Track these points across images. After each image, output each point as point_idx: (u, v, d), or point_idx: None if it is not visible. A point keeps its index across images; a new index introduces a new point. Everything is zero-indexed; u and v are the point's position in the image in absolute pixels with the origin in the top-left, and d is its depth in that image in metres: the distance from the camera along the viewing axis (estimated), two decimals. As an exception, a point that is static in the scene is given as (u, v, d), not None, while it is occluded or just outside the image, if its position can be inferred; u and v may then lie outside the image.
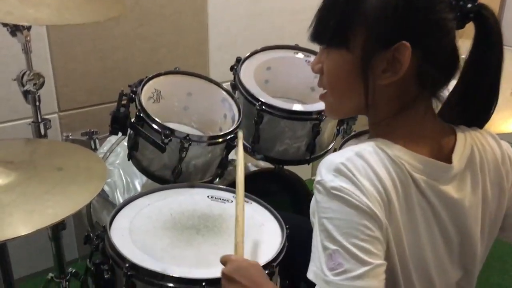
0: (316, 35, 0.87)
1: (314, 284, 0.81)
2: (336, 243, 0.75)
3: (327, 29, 0.84)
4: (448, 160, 0.85)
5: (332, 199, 0.77)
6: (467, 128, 0.90)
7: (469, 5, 0.79)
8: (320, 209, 0.78)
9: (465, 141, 0.88)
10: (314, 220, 0.81)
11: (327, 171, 0.79)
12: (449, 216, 0.86)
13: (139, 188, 1.67)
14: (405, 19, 0.77)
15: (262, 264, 1.12)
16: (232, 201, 1.40)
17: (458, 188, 0.86)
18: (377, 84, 0.81)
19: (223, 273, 0.96)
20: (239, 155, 1.26)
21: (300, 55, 1.84)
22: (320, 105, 1.67)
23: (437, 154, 0.85)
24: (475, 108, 0.89)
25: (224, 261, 0.99)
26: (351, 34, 0.81)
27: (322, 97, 0.93)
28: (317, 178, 0.80)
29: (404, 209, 0.81)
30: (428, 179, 0.83)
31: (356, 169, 0.77)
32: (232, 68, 1.72)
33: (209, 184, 1.51)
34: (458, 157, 0.86)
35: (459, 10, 0.80)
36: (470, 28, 0.84)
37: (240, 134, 1.39)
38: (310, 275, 0.79)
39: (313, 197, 0.82)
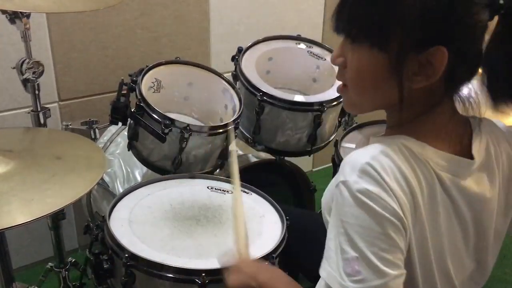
0: (344, 28, 0.81)
1: (313, 275, 0.80)
2: (357, 250, 0.73)
3: (359, 25, 0.79)
4: (469, 154, 0.84)
5: (356, 203, 0.74)
6: (478, 118, 0.88)
7: (501, 1, 0.76)
8: (342, 211, 0.75)
9: (480, 133, 0.86)
10: (332, 219, 0.78)
11: (352, 171, 0.76)
12: (469, 211, 0.85)
13: (139, 178, 1.66)
14: (443, 23, 0.74)
15: (262, 255, 1.12)
16: (232, 192, 1.39)
17: (478, 182, 0.84)
18: (406, 85, 0.78)
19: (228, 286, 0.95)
20: (234, 175, 1.19)
21: (302, 45, 1.83)
22: (322, 96, 1.66)
23: (459, 150, 0.84)
24: None
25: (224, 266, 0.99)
26: (385, 33, 0.76)
27: (342, 91, 0.88)
28: (341, 177, 0.76)
29: (428, 208, 0.80)
30: (453, 176, 0.81)
31: (382, 169, 0.75)
32: (233, 58, 1.71)
33: (209, 175, 1.50)
34: (477, 151, 0.84)
35: (491, 7, 0.76)
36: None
37: (233, 147, 1.33)
38: (323, 273, 0.77)
39: (334, 195, 0.78)
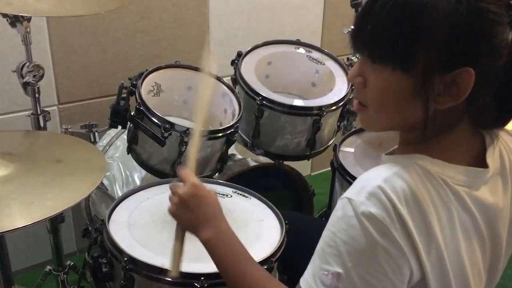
0: (364, 48, 0.79)
1: None
2: (343, 267, 0.73)
3: (383, 46, 0.75)
4: (483, 163, 0.83)
5: (356, 224, 0.73)
6: (489, 129, 0.87)
7: None
8: (338, 226, 0.75)
9: (492, 141, 0.85)
10: (326, 229, 0.78)
11: (361, 190, 0.75)
12: (485, 221, 0.83)
13: (138, 182, 1.66)
14: (470, 44, 0.72)
15: (261, 259, 1.12)
16: (231, 196, 1.39)
17: (492, 191, 0.83)
18: (431, 106, 0.76)
19: (179, 195, 0.93)
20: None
21: (302, 50, 1.83)
22: (321, 101, 1.66)
23: (473, 160, 0.83)
24: None
25: (183, 177, 0.95)
26: (411, 55, 0.73)
27: (360, 110, 0.85)
28: (348, 194, 0.76)
29: (447, 231, 0.78)
30: (469, 189, 0.80)
31: (394, 193, 0.73)
32: (233, 63, 1.71)
33: (208, 178, 1.51)
34: (491, 159, 0.83)
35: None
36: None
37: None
38: (302, 281, 0.78)
39: (335, 209, 0.78)
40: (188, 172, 0.97)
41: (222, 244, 0.93)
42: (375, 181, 0.75)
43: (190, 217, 0.94)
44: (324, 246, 0.76)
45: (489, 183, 0.83)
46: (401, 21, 0.73)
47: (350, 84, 1.71)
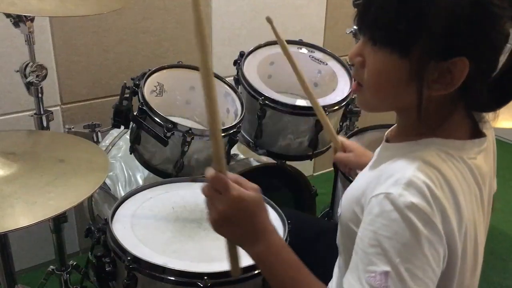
0: (367, 29, 0.81)
1: None
2: (390, 264, 0.72)
3: (385, 29, 0.77)
4: (479, 133, 0.85)
5: (397, 217, 0.72)
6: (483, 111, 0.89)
7: None
8: (379, 223, 0.74)
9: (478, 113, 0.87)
10: (362, 230, 0.76)
11: (396, 183, 0.74)
12: (485, 190, 0.86)
13: (140, 182, 1.67)
14: (469, 35, 0.74)
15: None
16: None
17: (485, 159, 0.86)
18: (424, 92, 0.78)
19: (219, 211, 0.82)
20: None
21: (304, 50, 1.84)
22: (323, 101, 1.66)
23: (472, 132, 0.85)
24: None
25: (219, 187, 0.83)
26: (411, 39, 0.75)
27: (357, 91, 0.87)
28: (382, 189, 0.75)
29: (468, 203, 0.80)
30: (475, 160, 0.82)
31: (430, 180, 0.74)
32: (235, 63, 1.72)
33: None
34: (485, 128, 0.86)
35: None
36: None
37: None
38: (345, 285, 0.76)
39: (367, 206, 0.77)
40: (223, 179, 0.82)
41: (273, 258, 0.85)
42: (408, 172, 0.75)
43: (235, 233, 0.84)
44: (365, 247, 0.75)
45: (483, 152, 0.85)
46: (403, 5, 0.74)
47: (352, 85, 1.71)
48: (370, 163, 0.94)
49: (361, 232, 0.77)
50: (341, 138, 1.34)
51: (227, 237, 0.86)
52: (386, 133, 0.94)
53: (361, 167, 1.01)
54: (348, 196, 0.91)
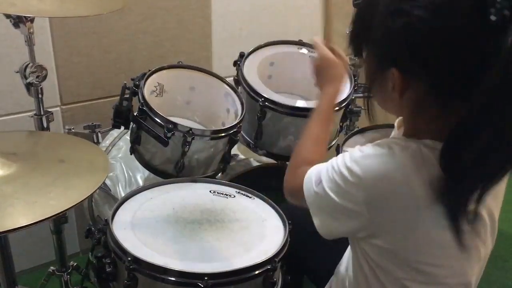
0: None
1: (318, 277, 0.81)
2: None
3: (352, 39, 0.92)
4: None
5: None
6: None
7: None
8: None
9: None
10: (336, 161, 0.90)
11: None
12: None
13: (141, 182, 1.67)
14: (400, 46, 0.79)
15: (264, 260, 1.12)
16: (234, 196, 1.39)
17: None
18: (390, 96, 0.86)
19: (323, 55, 1.20)
20: None
21: (304, 50, 1.84)
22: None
23: None
24: None
25: (316, 46, 1.25)
26: (360, 48, 0.90)
27: None
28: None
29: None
30: None
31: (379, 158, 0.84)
32: (235, 63, 1.71)
33: (212, 179, 1.51)
34: None
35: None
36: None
37: None
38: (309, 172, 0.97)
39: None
40: (320, 44, 1.26)
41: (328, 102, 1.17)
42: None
43: (322, 75, 1.19)
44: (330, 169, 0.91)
45: None
46: (359, 19, 0.90)
47: (353, 85, 1.71)
48: None
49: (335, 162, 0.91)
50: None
51: (318, 76, 1.21)
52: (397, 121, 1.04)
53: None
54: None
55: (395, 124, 1.04)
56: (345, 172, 0.85)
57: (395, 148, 0.82)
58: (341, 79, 1.19)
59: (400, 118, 1.00)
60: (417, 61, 0.79)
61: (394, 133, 1.04)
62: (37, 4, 1.26)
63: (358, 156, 0.85)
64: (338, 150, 1.65)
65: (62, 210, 1.06)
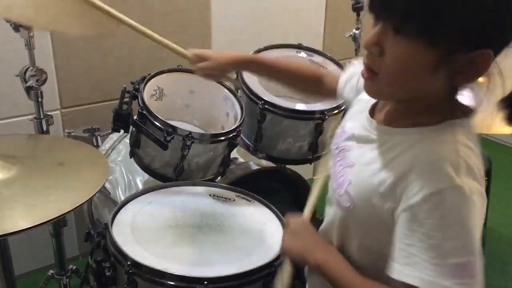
0: (390, 17, 0.78)
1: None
2: (471, 255, 0.74)
3: (414, 18, 0.75)
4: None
5: (467, 206, 0.75)
6: None
7: None
8: (453, 217, 0.75)
9: None
10: (426, 227, 0.76)
11: (453, 172, 0.75)
12: None
13: (140, 186, 1.67)
14: (497, 28, 0.75)
15: (263, 264, 1.12)
16: (234, 200, 1.39)
17: None
18: (446, 83, 0.79)
19: (289, 225, 1.01)
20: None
21: (303, 54, 1.84)
22: (323, 105, 1.66)
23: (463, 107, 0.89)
24: None
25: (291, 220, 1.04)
26: (442, 29, 0.74)
27: (370, 78, 0.85)
28: (441, 185, 0.76)
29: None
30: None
31: (473, 160, 0.78)
32: (235, 67, 1.71)
33: (212, 182, 1.51)
34: None
35: None
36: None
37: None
38: (416, 281, 0.76)
39: (422, 203, 0.76)
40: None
41: (336, 264, 0.92)
42: (457, 158, 0.77)
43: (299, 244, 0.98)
44: (439, 242, 0.75)
45: None
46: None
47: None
48: (373, 151, 0.89)
49: (424, 229, 0.76)
50: (192, 50, 1.28)
51: (292, 252, 0.99)
52: (374, 115, 0.93)
53: (223, 69, 1.24)
54: (363, 189, 0.88)
55: (376, 118, 0.94)
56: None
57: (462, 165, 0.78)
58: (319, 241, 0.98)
59: (382, 111, 0.93)
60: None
61: (385, 130, 0.91)
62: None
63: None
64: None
65: (61, 213, 1.07)
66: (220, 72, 1.29)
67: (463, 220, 0.74)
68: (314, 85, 1.24)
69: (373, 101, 0.95)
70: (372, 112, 0.94)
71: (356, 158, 0.91)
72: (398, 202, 0.80)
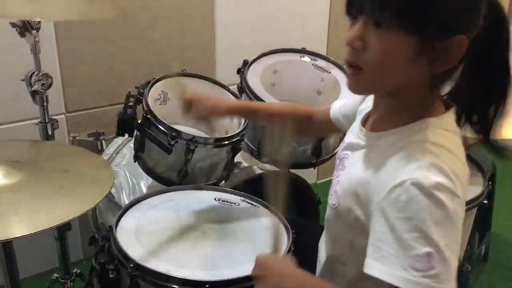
0: (370, 11, 0.81)
1: None
2: (430, 245, 0.74)
3: (395, 10, 0.78)
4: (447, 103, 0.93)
5: (427, 200, 0.75)
6: None
7: None
8: (411, 209, 0.76)
9: None
10: (390, 221, 0.78)
11: (418, 168, 0.78)
12: None
13: (144, 190, 1.67)
14: (473, 14, 0.79)
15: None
16: (239, 204, 1.40)
17: None
18: (427, 70, 0.82)
19: (253, 275, 0.95)
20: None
21: (307, 58, 1.84)
22: (327, 109, 1.67)
23: (444, 103, 0.92)
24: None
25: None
26: (423, 19, 0.77)
27: (354, 74, 0.87)
28: (403, 177, 0.78)
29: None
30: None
31: (442, 158, 0.79)
32: (239, 71, 1.72)
33: (216, 186, 1.51)
34: None
35: None
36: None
37: None
38: (381, 275, 0.77)
39: (385, 197, 0.79)
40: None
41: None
42: (423, 155, 0.79)
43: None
44: (400, 234, 0.76)
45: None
46: None
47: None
48: (361, 155, 0.95)
49: (388, 222, 0.78)
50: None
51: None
52: (365, 124, 0.99)
53: (216, 111, 1.26)
54: (346, 187, 0.94)
55: (366, 127, 0.98)
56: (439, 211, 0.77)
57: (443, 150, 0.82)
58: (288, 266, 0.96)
59: (371, 120, 0.98)
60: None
61: (371, 136, 0.95)
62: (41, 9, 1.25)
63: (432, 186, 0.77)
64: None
65: (66, 220, 1.07)
66: (210, 115, 1.31)
67: (419, 212, 0.75)
68: (306, 124, 1.32)
69: (367, 111, 1.01)
70: (366, 122, 1.00)
71: (348, 163, 0.99)
72: (372, 201, 0.84)
